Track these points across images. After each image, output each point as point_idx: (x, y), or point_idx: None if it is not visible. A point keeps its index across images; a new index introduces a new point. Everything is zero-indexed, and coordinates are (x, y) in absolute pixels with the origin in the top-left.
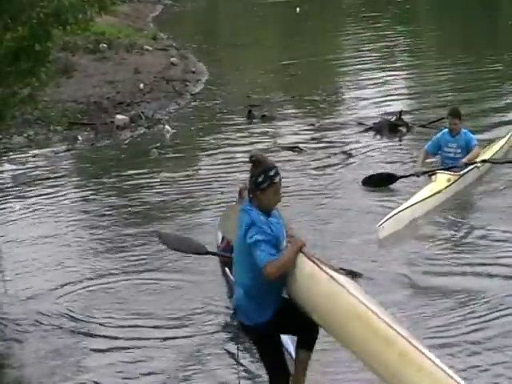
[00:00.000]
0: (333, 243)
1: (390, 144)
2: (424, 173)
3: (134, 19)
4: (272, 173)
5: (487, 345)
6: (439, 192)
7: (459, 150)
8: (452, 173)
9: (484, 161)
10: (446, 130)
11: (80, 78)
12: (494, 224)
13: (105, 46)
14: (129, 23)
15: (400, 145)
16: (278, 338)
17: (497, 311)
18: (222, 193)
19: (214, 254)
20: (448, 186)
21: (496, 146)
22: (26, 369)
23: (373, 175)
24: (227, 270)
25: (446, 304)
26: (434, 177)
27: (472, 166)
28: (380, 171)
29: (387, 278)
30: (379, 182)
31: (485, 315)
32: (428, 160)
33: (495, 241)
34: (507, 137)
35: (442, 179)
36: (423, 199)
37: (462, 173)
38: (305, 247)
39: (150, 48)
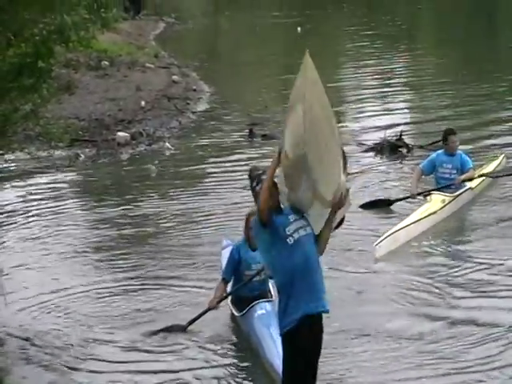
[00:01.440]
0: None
1: (391, 164)
2: (419, 194)
3: (136, 37)
4: (264, 176)
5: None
6: (434, 213)
7: (454, 171)
8: (447, 194)
9: (482, 175)
10: (442, 150)
11: (82, 95)
12: (487, 245)
13: (107, 63)
14: (131, 41)
15: (400, 165)
16: None
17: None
18: (221, 212)
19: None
20: (443, 207)
21: (490, 167)
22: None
23: (368, 202)
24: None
25: (435, 323)
26: (429, 197)
27: (467, 187)
28: (375, 198)
29: (381, 293)
30: (375, 206)
31: (474, 333)
32: (422, 180)
33: (487, 262)
34: (500, 158)
35: (436, 200)
36: (418, 220)
37: (456, 194)
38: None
39: (152, 66)
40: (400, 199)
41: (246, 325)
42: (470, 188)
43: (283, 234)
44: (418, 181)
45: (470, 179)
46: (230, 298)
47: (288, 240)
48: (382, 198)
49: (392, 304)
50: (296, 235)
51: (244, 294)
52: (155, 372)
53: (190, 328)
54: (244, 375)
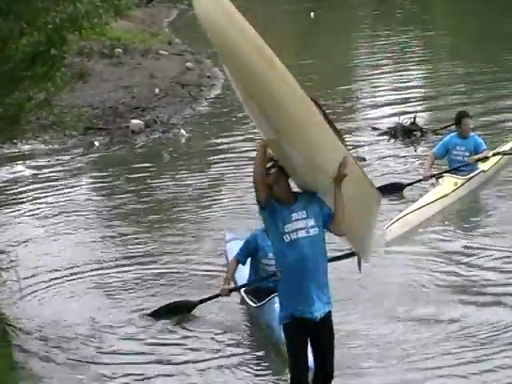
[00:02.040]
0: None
1: (404, 148)
2: (431, 176)
3: (150, 24)
4: (268, 164)
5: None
6: (446, 196)
7: (467, 154)
8: (459, 176)
9: (496, 154)
10: (455, 133)
11: (95, 83)
12: (499, 229)
13: (120, 51)
14: (144, 28)
15: (414, 149)
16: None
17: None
18: (235, 197)
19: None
20: (455, 190)
21: (504, 148)
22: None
23: (380, 187)
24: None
25: (448, 307)
26: (441, 180)
27: (479, 170)
28: (387, 183)
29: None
30: (387, 191)
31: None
32: (435, 164)
33: (500, 246)
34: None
35: (449, 183)
36: (430, 202)
37: (468, 177)
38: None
39: (166, 53)
40: (412, 183)
41: (264, 317)
42: (482, 171)
43: (281, 229)
44: (431, 164)
45: (484, 159)
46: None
47: (284, 237)
48: (395, 182)
49: (410, 289)
50: (294, 235)
51: (260, 285)
52: (163, 363)
53: (198, 313)
54: (261, 366)
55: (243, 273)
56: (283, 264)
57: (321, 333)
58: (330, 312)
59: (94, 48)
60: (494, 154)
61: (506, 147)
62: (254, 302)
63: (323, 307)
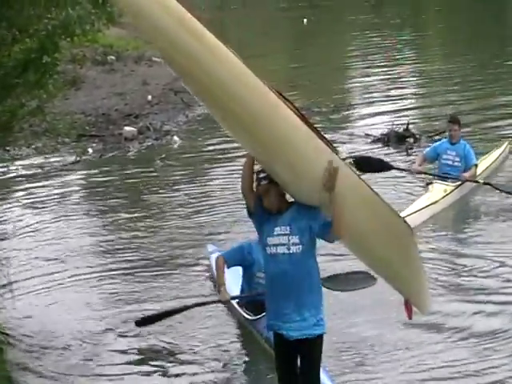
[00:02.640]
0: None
1: (398, 154)
2: (419, 172)
3: None
4: (260, 175)
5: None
6: (436, 202)
7: (458, 159)
8: (449, 183)
9: (486, 183)
10: (446, 139)
11: (88, 90)
12: (488, 236)
13: (113, 57)
14: (137, 35)
15: (407, 155)
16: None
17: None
18: (229, 203)
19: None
20: (444, 196)
21: (492, 157)
22: None
23: (367, 157)
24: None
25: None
26: (430, 186)
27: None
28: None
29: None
30: (370, 166)
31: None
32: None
33: (487, 254)
34: (504, 146)
35: (438, 189)
36: (419, 209)
37: (457, 184)
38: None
39: (159, 60)
40: (399, 168)
41: (261, 330)
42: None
43: (264, 240)
44: (420, 164)
45: (475, 181)
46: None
47: (266, 249)
48: (383, 160)
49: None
50: (273, 249)
51: (256, 297)
52: (151, 375)
53: (189, 324)
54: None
55: (234, 284)
56: (266, 274)
57: (300, 353)
58: (314, 335)
59: (86, 55)
60: (484, 183)
61: (494, 155)
62: (249, 315)
63: (304, 328)
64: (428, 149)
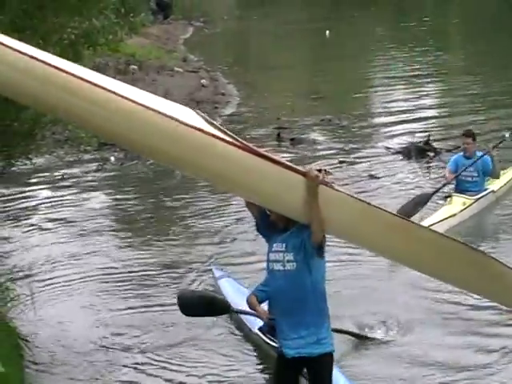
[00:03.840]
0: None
1: (418, 168)
2: (452, 180)
3: (165, 41)
4: None
5: None
6: (454, 215)
7: (476, 174)
8: (467, 196)
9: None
10: (462, 153)
11: None
12: (508, 249)
13: (135, 67)
14: (159, 45)
15: (427, 169)
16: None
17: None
18: (246, 215)
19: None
20: (463, 210)
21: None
22: None
23: (406, 204)
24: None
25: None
26: (449, 199)
27: (489, 190)
28: (410, 198)
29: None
30: (415, 208)
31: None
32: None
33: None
34: None
35: (457, 202)
36: (438, 222)
37: (477, 197)
38: None
39: (181, 70)
40: (437, 190)
41: None
42: (492, 191)
43: (267, 256)
44: (450, 176)
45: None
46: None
47: (268, 264)
48: (420, 194)
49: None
50: (271, 265)
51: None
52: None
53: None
54: None
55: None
56: (271, 290)
57: (298, 371)
58: (313, 354)
59: (109, 64)
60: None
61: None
62: (275, 342)
63: (300, 347)
64: (449, 163)
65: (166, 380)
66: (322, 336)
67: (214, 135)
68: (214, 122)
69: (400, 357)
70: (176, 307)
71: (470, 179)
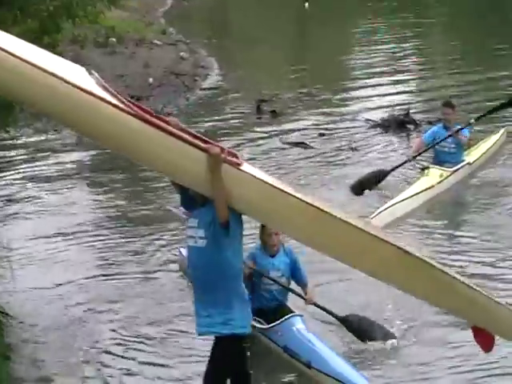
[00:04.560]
0: None
1: (397, 141)
2: (414, 157)
3: (144, 14)
4: None
5: None
6: (431, 187)
7: (453, 145)
8: (445, 168)
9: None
10: (440, 124)
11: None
12: (484, 222)
13: (114, 40)
14: (138, 18)
15: (407, 141)
16: None
17: None
18: None
19: None
20: (440, 182)
21: (490, 141)
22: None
23: (361, 179)
24: None
25: None
26: (426, 171)
27: (465, 162)
28: (365, 175)
29: None
30: (369, 183)
31: None
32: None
33: (480, 241)
34: (500, 132)
35: (434, 174)
36: (416, 193)
37: (454, 169)
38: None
39: (160, 42)
40: (396, 167)
41: (279, 339)
42: (468, 163)
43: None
44: (418, 149)
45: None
46: None
47: (186, 240)
48: (377, 170)
49: None
50: (187, 241)
51: (263, 305)
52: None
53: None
54: None
55: None
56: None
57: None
58: (221, 334)
59: (88, 36)
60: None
61: (491, 140)
62: (261, 323)
63: (209, 325)
64: (426, 134)
65: (149, 352)
66: (231, 317)
67: (100, 97)
68: (107, 86)
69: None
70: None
71: (447, 150)
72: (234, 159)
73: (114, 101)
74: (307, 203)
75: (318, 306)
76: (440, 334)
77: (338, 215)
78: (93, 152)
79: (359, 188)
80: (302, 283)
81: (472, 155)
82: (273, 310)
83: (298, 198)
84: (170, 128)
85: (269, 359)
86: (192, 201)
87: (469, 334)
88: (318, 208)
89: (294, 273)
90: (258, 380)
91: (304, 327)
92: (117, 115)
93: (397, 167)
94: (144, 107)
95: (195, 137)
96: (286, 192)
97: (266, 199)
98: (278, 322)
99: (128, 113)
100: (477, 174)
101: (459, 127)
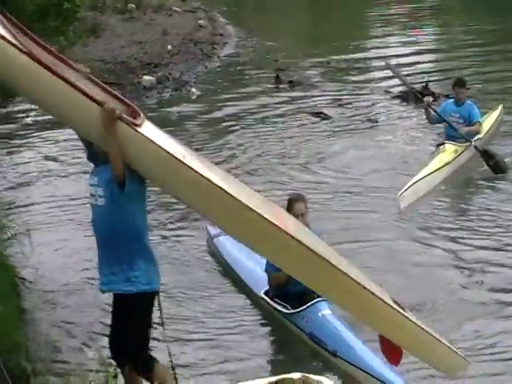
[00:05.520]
0: (353, 210)
1: (416, 113)
2: (429, 105)
3: None
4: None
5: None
6: (449, 163)
7: (461, 121)
8: (459, 144)
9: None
10: (451, 99)
11: (108, 38)
12: (504, 195)
13: (133, 6)
14: None
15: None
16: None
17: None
18: (244, 159)
19: None
20: (457, 157)
21: (491, 118)
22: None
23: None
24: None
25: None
26: (442, 147)
27: (476, 137)
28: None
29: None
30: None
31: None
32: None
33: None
34: (499, 108)
35: (449, 150)
36: (435, 170)
37: (467, 144)
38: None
39: (179, 9)
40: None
41: (304, 324)
42: (478, 138)
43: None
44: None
45: (475, 133)
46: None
47: (89, 198)
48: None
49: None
50: (89, 199)
51: (287, 289)
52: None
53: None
54: None
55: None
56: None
57: (113, 309)
58: (126, 291)
59: (107, 2)
60: (474, 147)
61: (492, 117)
62: (287, 308)
63: (112, 282)
64: (436, 109)
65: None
66: (134, 274)
67: None
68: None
69: None
70: None
71: (455, 124)
72: (132, 119)
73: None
74: (201, 176)
75: None
76: None
77: (231, 190)
78: None
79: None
80: None
81: (480, 131)
82: (298, 294)
83: (191, 169)
84: (62, 73)
85: (293, 345)
86: (96, 157)
87: None
88: (211, 182)
89: None
90: (282, 366)
91: (331, 313)
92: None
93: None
94: (50, 49)
95: (106, 91)
96: (180, 161)
97: (158, 164)
98: (304, 306)
99: (20, 50)
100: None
101: (470, 104)
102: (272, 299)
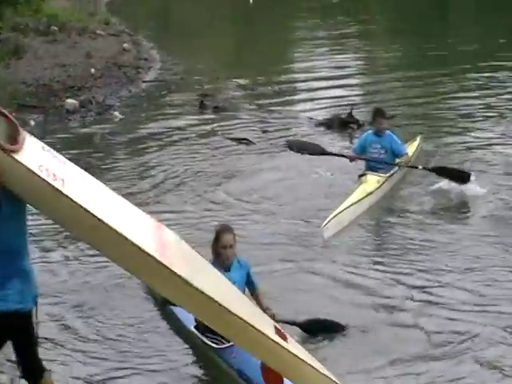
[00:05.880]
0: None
1: (340, 140)
2: (353, 159)
3: (87, 3)
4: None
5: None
6: (371, 193)
7: (383, 151)
8: (380, 174)
9: (425, 168)
10: (371, 131)
11: (30, 60)
12: (422, 220)
13: (56, 28)
14: (81, 7)
15: (350, 141)
16: None
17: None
18: (166, 183)
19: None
20: (378, 187)
21: (411, 149)
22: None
23: (301, 141)
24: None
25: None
26: (364, 178)
27: (395, 168)
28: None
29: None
30: (303, 148)
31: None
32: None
33: (414, 245)
34: (418, 140)
35: (372, 181)
36: (358, 200)
37: (389, 174)
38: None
39: (103, 33)
40: (332, 154)
41: (233, 360)
42: (398, 168)
43: None
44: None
45: (412, 166)
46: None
47: None
48: (315, 144)
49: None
50: None
51: None
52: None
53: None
54: None
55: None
56: None
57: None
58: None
59: (29, 24)
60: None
61: (411, 148)
62: (216, 343)
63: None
64: (356, 144)
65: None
66: (7, 293)
67: None
68: None
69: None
70: None
71: (376, 155)
72: (10, 144)
73: None
74: (80, 206)
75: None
76: None
77: (108, 219)
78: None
79: (297, 146)
80: (255, 293)
81: (402, 159)
82: None
83: (67, 197)
84: None
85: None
86: None
87: None
88: (89, 212)
89: (249, 285)
90: None
91: None
92: None
93: (332, 154)
94: None
95: None
96: (57, 189)
97: (35, 191)
98: (232, 342)
99: None
100: (408, 179)
101: (390, 134)
102: (203, 333)
